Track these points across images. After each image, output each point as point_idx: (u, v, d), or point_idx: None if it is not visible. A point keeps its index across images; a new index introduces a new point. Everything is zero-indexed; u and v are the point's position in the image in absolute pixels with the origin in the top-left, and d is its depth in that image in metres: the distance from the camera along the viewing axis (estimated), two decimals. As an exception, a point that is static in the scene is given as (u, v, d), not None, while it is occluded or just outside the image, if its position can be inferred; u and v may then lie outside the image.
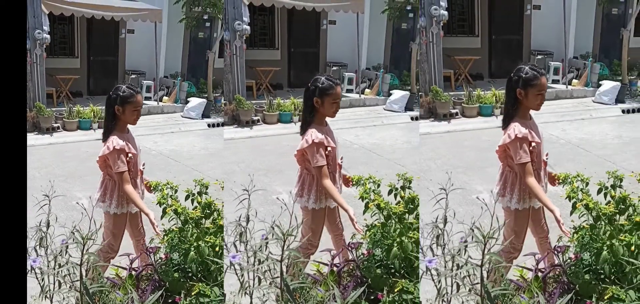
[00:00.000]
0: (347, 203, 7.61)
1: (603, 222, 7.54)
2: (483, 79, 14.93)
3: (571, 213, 7.60)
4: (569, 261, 7.44)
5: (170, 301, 8.07)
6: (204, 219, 8.32)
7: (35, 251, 8.12)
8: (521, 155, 7.20)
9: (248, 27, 13.82)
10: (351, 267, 7.99)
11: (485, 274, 7.47)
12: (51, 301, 8.05)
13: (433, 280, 7.69)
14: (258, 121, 13.92)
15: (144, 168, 7.98)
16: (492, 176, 7.63)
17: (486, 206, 7.45)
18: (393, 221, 8.17)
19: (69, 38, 15.35)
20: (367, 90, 14.48)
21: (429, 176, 8.82)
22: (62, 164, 12.71)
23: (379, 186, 8.30)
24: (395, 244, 8.04)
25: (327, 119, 7.70)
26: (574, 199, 7.63)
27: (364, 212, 8.21)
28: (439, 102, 13.64)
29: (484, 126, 13.48)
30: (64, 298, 8.05)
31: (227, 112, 13.73)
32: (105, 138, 7.81)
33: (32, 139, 13.40)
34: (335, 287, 7.87)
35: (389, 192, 8.34)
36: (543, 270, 7.45)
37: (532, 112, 7.33)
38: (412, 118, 13.63)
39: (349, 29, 14.64)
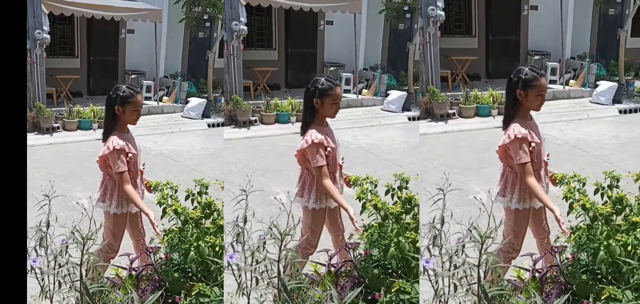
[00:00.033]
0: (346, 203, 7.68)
1: (600, 223, 7.56)
2: (480, 80, 14.93)
3: (568, 213, 7.61)
4: (566, 261, 7.45)
5: (170, 301, 8.07)
6: (204, 219, 8.34)
7: (35, 251, 8.12)
8: (521, 155, 7.24)
9: (245, 28, 13.83)
10: (348, 267, 8.01)
11: (482, 275, 7.51)
12: (51, 301, 8.05)
13: (430, 280, 7.71)
14: (255, 121, 13.93)
15: (144, 168, 7.99)
16: (489, 176, 7.65)
17: (483, 206, 7.47)
18: (390, 221, 8.18)
19: (69, 38, 15.34)
20: (364, 90, 14.50)
21: (426, 177, 8.84)
22: (62, 164, 12.72)
23: (376, 186, 8.32)
24: (393, 245, 8.05)
25: (328, 119, 7.76)
26: (571, 200, 7.65)
27: (361, 212, 8.21)
28: (436, 102, 13.66)
29: (481, 126, 13.49)
30: (64, 298, 8.05)
31: (225, 113, 13.75)
32: (105, 138, 7.81)
33: (32, 139, 13.39)
34: (332, 287, 7.89)
35: (386, 193, 8.35)
36: (540, 270, 7.47)
37: (532, 112, 7.38)
38: (409, 118, 13.65)
39: (346, 29, 14.66)
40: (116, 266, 8.04)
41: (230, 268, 8.08)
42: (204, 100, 14.03)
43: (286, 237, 7.90)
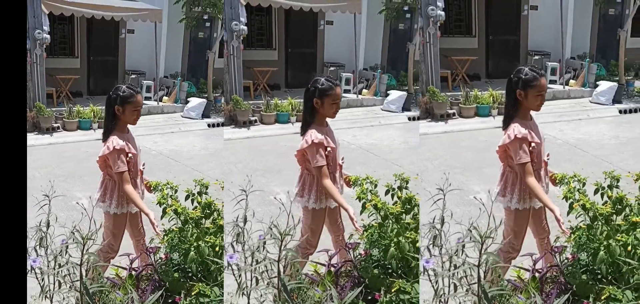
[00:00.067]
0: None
1: (600, 223, 7.56)
2: (480, 80, 14.93)
3: (568, 213, 7.61)
4: (566, 261, 7.46)
5: (170, 301, 8.07)
6: (204, 219, 8.34)
7: (35, 251, 8.12)
8: (521, 155, 7.25)
9: (245, 28, 13.83)
10: (348, 267, 8.01)
11: (482, 275, 7.51)
12: (51, 301, 8.05)
13: (430, 280, 7.71)
14: (255, 121, 13.93)
15: (144, 168, 8.00)
16: (489, 176, 7.66)
17: (483, 206, 7.47)
18: (390, 222, 8.18)
19: (69, 38, 15.34)
20: (364, 90, 14.50)
21: (426, 177, 8.84)
22: (62, 164, 12.71)
23: (376, 186, 8.32)
24: (393, 245, 8.05)
25: (328, 119, 7.77)
26: (571, 200, 7.65)
27: (361, 212, 8.21)
28: (436, 102, 13.66)
29: (481, 126, 13.49)
30: (63, 298, 8.04)
31: (225, 113, 13.75)
32: (105, 138, 7.81)
33: (32, 139, 13.38)
34: (332, 287, 7.89)
35: (386, 193, 8.35)
36: (540, 270, 7.47)
37: (532, 112, 7.39)
38: (409, 118, 13.65)
39: (346, 29, 14.66)
40: (116, 266, 8.05)
41: (230, 268, 8.09)
42: (204, 100, 14.04)
43: (286, 237, 7.91)
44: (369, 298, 7.96)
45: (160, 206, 8.29)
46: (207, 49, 14.38)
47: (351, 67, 14.64)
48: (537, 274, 7.45)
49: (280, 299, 7.94)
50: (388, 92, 14.17)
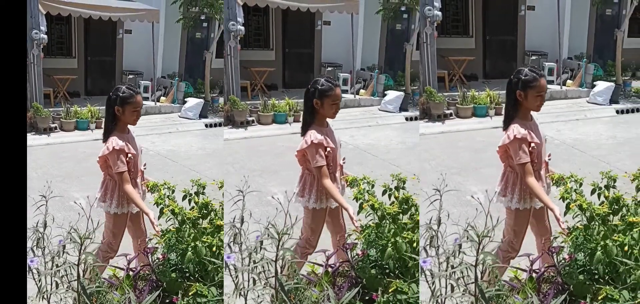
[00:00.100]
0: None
1: (597, 223, 7.57)
2: (477, 80, 14.94)
3: (565, 214, 7.62)
4: (563, 261, 7.47)
5: (167, 301, 8.08)
6: (201, 220, 8.35)
7: (33, 251, 8.13)
8: (521, 155, 7.29)
9: (242, 28, 13.82)
10: (346, 267, 8.02)
11: (479, 275, 7.52)
12: (48, 302, 8.05)
13: (427, 281, 7.72)
14: (253, 121, 13.92)
15: (145, 168, 8.04)
16: (486, 177, 7.67)
17: (481, 206, 7.49)
18: (387, 222, 8.19)
19: (66, 38, 15.33)
20: (361, 90, 14.49)
21: (423, 177, 8.85)
22: (59, 164, 12.70)
23: (373, 186, 8.33)
24: (390, 245, 8.06)
25: (328, 120, 7.80)
26: (568, 200, 7.66)
27: (359, 212, 8.22)
28: (433, 102, 13.66)
29: (478, 126, 13.50)
30: (61, 299, 8.05)
31: (224, 113, 13.74)
32: (105, 138, 7.87)
33: (29, 139, 13.33)
34: (329, 287, 7.89)
35: (384, 193, 8.36)
36: (537, 271, 7.48)
37: (532, 112, 7.42)
38: (406, 119, 13.64)
39: (344, 29, 14.64)
40: (113, 266, 8.06)
41: (227, 268, 8.09)
42: (201, 100, 14.04)
43: (283, 237, 7.92)
44: (366, 298, 7.97)
45: (158, 206, 8.30)
46: (204, 50, 14.38)
47: (348, 68, 14.63)
48: (534, 275, 7.46)
49: (277, 300, 7.95)
50: (385, 92, 14.16)
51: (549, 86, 14.16)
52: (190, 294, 8.10)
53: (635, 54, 14.74)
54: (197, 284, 8.14)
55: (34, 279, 8.05)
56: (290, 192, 7.94)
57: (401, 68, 14.29)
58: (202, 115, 13.90)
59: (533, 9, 14.98)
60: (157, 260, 8.10)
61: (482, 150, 11.85)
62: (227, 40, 13.76)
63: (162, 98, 14.61)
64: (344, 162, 7.94)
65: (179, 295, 8.09)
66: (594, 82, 14.35)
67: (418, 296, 7.86)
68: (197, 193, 8.43)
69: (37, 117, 13.83)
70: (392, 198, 8.29)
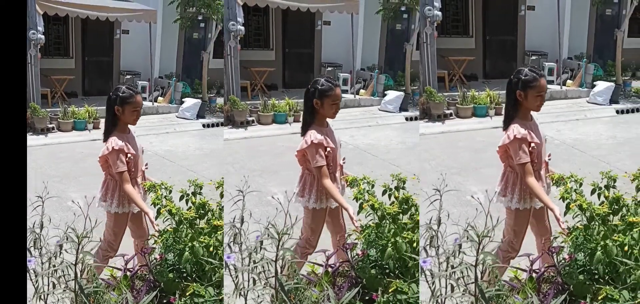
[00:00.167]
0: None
1: (597, 223, 7.55)
2: (477, 80, 14.94)
3: (565, 214, 7.60)
4: (563, 261, 7.45)
5: (165, 301, 8.08)
6: (198, 220, 8.33)
7: (30, 252, 8.12)
8: (521, 155, 7.30)
9: (242, 28, 13.81)
10: (346, 267, 8.01)
11: (479, 275, 7.51)
12: (46, 303, 8.04)
13: (427, 281, 7.71)
14: (253, 121, 13.91)
15: (146, 168, 8.08)
16: (486, 177, 7.66)
17: (481, 206, 7.48)
18: (387, 222, 8.17)
19: (63, 38, 15.32)
20: (361, 90, 14.48)
21: (423, 177, 8.83)
22: (56, 165, 12.69)
23: (373, 186, 8.31)
24: (390, 245, 8.05)
25: (328, 120, 7.80)
26: (568, 200, 7.64)
27: (359, 212, 8.21)
28: (433, 102, 13.64)
29: (478, 126, 13.49)
30: (58, 300, 8.04)
31: (224, 113, 13.73)
32: (105, 138, 7.94)
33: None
34: (329, 287, 7.88)
35: (384, 193, 8.34)
36: (537, 271, 7.47)
37: (532, 112, 7.41)
38: (406, 119, 13.63)
39: (344, 29, 14.64)
40: (111, 266, 8.06)
41: (227, 268, 8.08)
42: (199, 100, 14.04)
43: (283, 237, 7.91)
44: (366, 298, 7.96)
45: (155, 207, 8.29)
46: (201, 50, 14.37)
47: (348, 68, 14.62)
48: (534, 275, 7.45)
49: (277, 300, 7.94)
50: (385, 92, 14.15)
51: (549, 86, 14.15)
52: (187, 294, 8.09)
53: (635, 54, 14.73)
54: (195, 284, 8.14)
55: (31, 280, 8.04)
56: (290, 192, 7.96)
57: (401, 68, 14.28)
58: (200, 115, 13.89)
59: (533, 9, 14.98)
60: (154, 260, 8.10)
61: (482, 150, 11.83)
62: (227, 40, 13.74)
63: (160, 98, 14.60)
64: (344, 162, 7.96)
65: (177, 295, 8.09)
66: (594, 82, 14.34)
67: (418, 296, 7.85)
68: (194, 193, 8.41)
69: (35, 117, 13.81)
70: (392, 198, 8.27)
